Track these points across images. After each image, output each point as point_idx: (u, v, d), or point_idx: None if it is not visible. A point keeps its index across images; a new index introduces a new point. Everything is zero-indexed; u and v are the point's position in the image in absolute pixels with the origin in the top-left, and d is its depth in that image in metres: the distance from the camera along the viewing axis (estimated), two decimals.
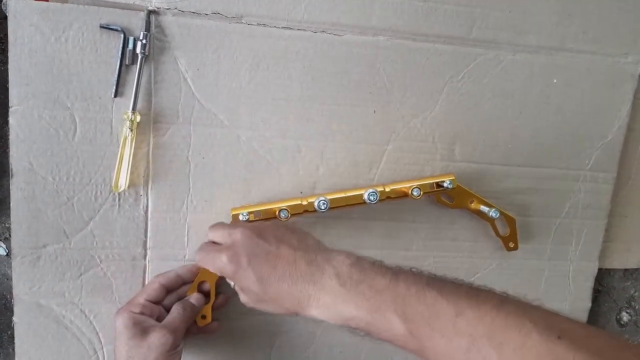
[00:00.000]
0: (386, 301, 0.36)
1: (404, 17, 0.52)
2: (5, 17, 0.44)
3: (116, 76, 0.47)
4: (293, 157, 0.52)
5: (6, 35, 0.45)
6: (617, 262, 0.66)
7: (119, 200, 0.49)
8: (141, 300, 0.46)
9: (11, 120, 0.46)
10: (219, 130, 0.50)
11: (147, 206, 0.50)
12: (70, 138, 0.47)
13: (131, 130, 0.47)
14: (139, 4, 0.46)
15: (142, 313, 0.45)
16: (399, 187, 0.51)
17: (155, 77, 0.48)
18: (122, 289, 0.51)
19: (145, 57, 0.47)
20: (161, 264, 0.51)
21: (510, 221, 0.57)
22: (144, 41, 0.46)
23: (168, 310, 0.47)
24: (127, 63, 0.47)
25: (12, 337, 0.50)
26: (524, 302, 0.34)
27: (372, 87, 0.52)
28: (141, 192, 0.50)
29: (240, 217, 0.49)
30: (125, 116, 0.47)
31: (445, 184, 0.52)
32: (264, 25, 0.49)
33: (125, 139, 0.47)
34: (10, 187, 0.47)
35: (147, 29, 0.46)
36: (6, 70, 0.45)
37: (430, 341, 0.34)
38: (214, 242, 0.46)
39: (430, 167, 0.55)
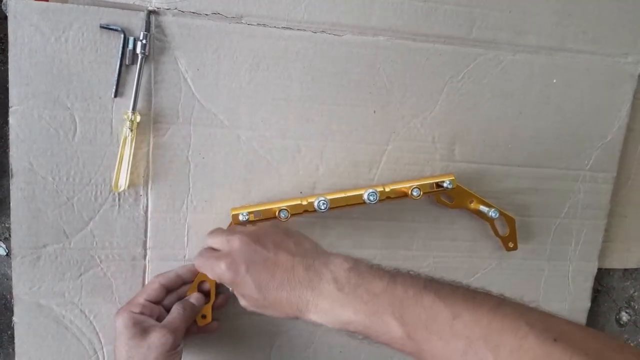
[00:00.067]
0: (384, 305, 0.36)
1: (403, 17, 0.52)
2: (6, 17, 0.44)
3: (116, 76, 0.47)
4: (293, 157, 0.52)
5: (6, 35, 0.45)
6: (617, 262, 0.66)
7: (119, 200, 0.49)
8: (141, 300, 0.46)
9: (11, 120, 0.46)
10: (219, 130, 0.50)
11: (147, 206, 0.50)
12: (70, 138, 0.47)
13: (131, 130, 0.47)
14: (139, 4, 0.46)
15: (142, 313, 0.45)
16: (399, 187, 0.51)
17: (155, 77, 0.48)
18: (122, 289, 0.51)
19: (145, 57, 0.47)
20: (161, 264, 0.51)
21: (509, 221, 0.57)
22: (144, 41, 0.46)
23: (168, 310, 0.47)
24: (127, 63, 0.47)
25: (12, 337, 0.50)
26: (521, 304, 0.34)
27: (372, 87, 0.52)
28: (141, 192, 0.50)
29: (240, 217, 0.49)
30: (125, 116, 0.47)
31: (445, 184, 0.52)
32: (264, 25, 0.49)
33: (125, 139, 0.47)
34: (10, 187, 0.47)
35: (147, 29, 0.46)
36: (6, 70, 0.45)
37: (428, 344, 0.34)
38: (212, 248, 0.46)
39: (430, 167, 0.55)
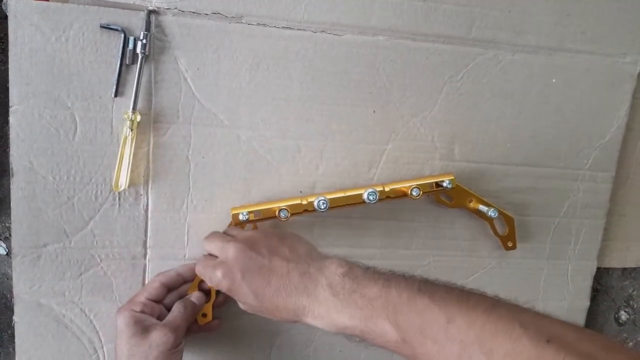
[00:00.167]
0: (378, 310, 0.36)
1: (403, 17, 0.52)
2: (6, 17, 0.44)
3: (116, 76, 0.47)
4: (293, 157, 0.52)
5: (6, 35, 0.45)
6: (616, 261, 0.66)
7: (119, 199, 0.49)
8: (142, 299, 0.46)
9: (11, 119, 0.46)
10: (219, 130, 0.50)
11: (147, 205, 0.50)
12: (70, 137, 0.47)
13: (131, 129, 0.47)
14: (139, 4, 0.46)
15: (143, 312, 0.45)
16: (399, 186, 0.51)
17: (156, 76, 0.48)
18: (122, 288, 0.51)
19: (146, 57, 0.47)
20: (161, 263, 0.51)
21: (508, 220, 0.57)
22: (144, 41, 0.46)
23: (169, 309, 0.47)
24: (127, 63, 0.47)
25: (12, 336, 0.50)
26: (515, 306, 0.34)
27: (371, 87, 0.52)
28: (141, 192, 0.50)
29: (240, 217, 0.49)
30: (126, 116, 0.47)
31: (444, 184, 0.52)
32: (264, 25, 0.49)
33: (126, 138, 0.47)
34: (11, 187, 0.47)
35: (148, 28, 0.46)
36: (6, 69, 0.45)
37: (423, 347, 0.34)
38: (212, 255, 0.47)
39: (430, 166, 0.55)
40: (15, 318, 0.49)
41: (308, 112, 0.52)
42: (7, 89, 0.45)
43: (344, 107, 0.52)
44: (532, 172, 0.58)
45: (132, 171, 0.48)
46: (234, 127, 0.50)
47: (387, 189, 0.51)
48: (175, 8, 0.47)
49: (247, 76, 0.50)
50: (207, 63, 0.49)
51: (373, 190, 0.50)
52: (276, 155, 0.52)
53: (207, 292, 0.49)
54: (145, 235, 0.51)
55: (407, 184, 0.51)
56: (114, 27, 0.46)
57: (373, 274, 0.39)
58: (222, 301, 0.51)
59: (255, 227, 0.51)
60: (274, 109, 0.51)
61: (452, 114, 0.55)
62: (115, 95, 0.47)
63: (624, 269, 0.69)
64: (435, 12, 0.52)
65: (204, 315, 0.49)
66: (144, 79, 0.47)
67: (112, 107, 0.47)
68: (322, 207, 0.49)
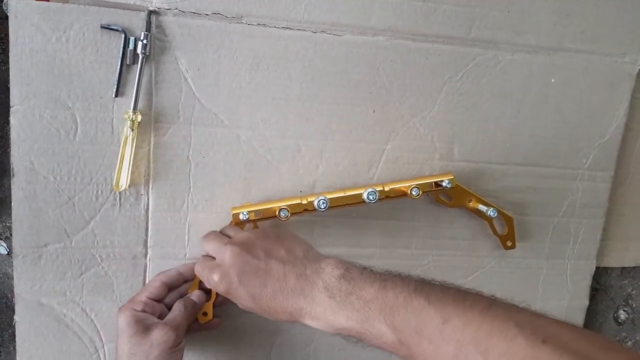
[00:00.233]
0: (375, 312, 0.36)
1: (403, 17, 0.52)
2: (6, 17, 0.45)
3: (117, 76, 0.47)
4: (293, 157, 0.52)
5: (7, 35, 0.45)
6: (615, 260, 0.66)
7: (120, 199, 0.49)
8: (143, 298, 0.46)
9: (12, 119, 0.46)
10: (220, 130, 0.50)
11: (147, 205, 0.50)
12: (71, 138, 0.47)
13: (132, 129, 0.47)
14: (140, 4, 0.46)
15: (144, 311, 0.45)
16: (398, 186, 0.52)
17: (156, 77, 0.48)
18: (123, 287, 0.51)
19: (146, 57, 0.47)
20: (162, 263, 0.51)
21: (508, 220, 0.57)
22: (144, 41, 0.46)
23: (169, 308, 0.47)
24: (127, 63, 0.47)
25: (13, 335, 0.50)
26: (511, 305, 0.34)
27: (371, 87, 0.53)
28: (142, 192, 0.50)
29: (241, 217, 0.49)
30: (126, 116, 0.47)
31: (444, 184, 0.52)
32: (264, 25, 0.49)
33: (126, 138, 0.47)
34: (12, 187, 0.47)
35: (148, 29, 0.46)
36: (7, 70, 0.45)
37: (419, 348, 0.34)
38: (210, 255, 0.47)
39: (429, 166, 0.56)
40: (16, 317, 0.49)
41: (308, 111, 0.52)
42: (8, 89, 0.45)
43: (343, 106, 0.52)
44: (532, 171, 0.58)
45: (132, 171, 0.48)
46: (234, 127, 0.51)
47: (386, 188, 0.51)
48: (176, 8, 0.47)
49: (247, 76, 0.50)
50: (208, 63, 0.49)
51: (373, 190, 0.50)
52: (276, 154, 0.52)
53: (207, 291, 0.49)
54: (146, 235, 0.51)
55: (407, 184, 0.52)
56: (115, 28, 0.46)
57: (369, 275, 0.39)
58: (223, 300, 0.51)
59: (256, 227, 0.51)
60: (274, 109, 0.51)
61: (451, 114, 0.55)
62: (116, 96, 0.47)
63: (623, 268, 0.69)
64: (435, 13, 0.52)
65: (205, 314, 0.49)
66: (144, 79, 0.47)
67: (113, 107, 0.48)
68: (322, 207, 0.49)
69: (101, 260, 0.50)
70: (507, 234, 0.58)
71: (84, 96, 0.47)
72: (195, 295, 0.48)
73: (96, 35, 0.46)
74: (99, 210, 0.49)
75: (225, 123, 0.50)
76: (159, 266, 0.51)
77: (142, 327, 0.43)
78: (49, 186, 0.48)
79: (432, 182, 0.53)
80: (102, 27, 0.46)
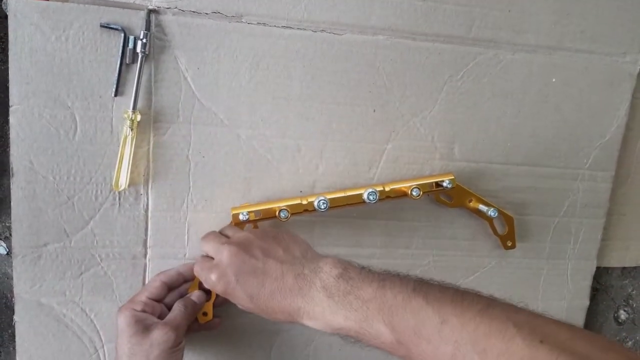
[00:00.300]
0: (373, 311, 0.36)
1: (403, 17, 0.52)
2: (6, 16, 0.44)
3: (116, 75, 0.47)
4: (293, 156, 0.52)
5: (6, 34, 0.45)
6: (615, 260, 0.66)
7: (120, 199, 0.49)
8: (143, 298, 0.46)
9: (11, 119, 0.46)
10: (219, 129, 0.50)
11: (147, 205, 0.50)
12: (70, 137, 0.47)
13: (131, 129, 0.47)
14: (139, 3, 0.46)
15: (144, 311, 0.45)
16: (399, 186, 0.51)
17: (156, 76, 0.48)
18: (122, 287, 0.51)
19: (146, 56, 0.47)
20: (161, 263, 0.51)
21: (508, 220, 0.57)
22: (144, 40, 0.46)
23: (169, 308, 0.47)
24: (127, 62, 0.47)
25: (12, 335, 0.50)
26: (510, 305, 0.34)
27: (371, 86, 0.53)
28: (141, 191, 0.50)
29: (241, 217, 0.49)
30: (126, 115, 0.47)
31: (444, 184, 0.52)
32: (264, 24, 0.49)
33: (126, 137, 0.47)
34: (11, 186, 0.47)
35: (148, 28, 0.46)
36: (6, 69, 0.45)
37: (417, 348, 0.34)
38: (209, 256, 0.47)
39: (430, 166, 0.55)
40: (15, 317, 0.49)
41: (308, 111, 0.52)
42: (7, 88, 0.45)
43: (344, 106, 0.52)
44: (532, 171, 0.58)
45: (132, 171, 0.48)
46: (234, 127, 0.50)
47: (387, 188, 0.51)
48: (175, 7, 0.47)
49: (247, 75, 0.50)
50: (207, 62, 0.49)
51: (373, 190, 0.50)
52: (276, 154, 0.52)
53: (207, 291, 0.49)
54: (146, 235, 0.51)
55: (407, 184, 0.52)
56: (114, 27, 0.46)
57: (368, 274, 0.39)
58: (223, 300, 0.51)
59: (256, 227, 0.51)
60: (274, 108, 0.51)
61: (452, 114, 0.55)
62: (115, 95, 0.47)
63: (624, 268, 0.69)
64: (435, 12, 0.52)
65: (205, 314, 0.49)
66: (144, 78, 0.47)
67: (112, 106, 0.47)
68: (322, 207, 0.49)
69: (101, 260, 0.50)
70: (507, 234, 0.58)
71: (83, 95, 0.47)
72: (195, 295, 0.48)
73: (95, 34, 0.46)
74: (99, 210, 0.49)
75: (225, 122, 0.50)
76: (158, 266, 0.51)
77: (142, 327, 0.43)
78: (48, 186, 0.47)
79: (432, 182, 0.53)
80: (102, 26, 0.46)
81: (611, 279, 0.69)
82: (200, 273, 0.45)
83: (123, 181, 0.48)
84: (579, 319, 0.63)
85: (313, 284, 0.39)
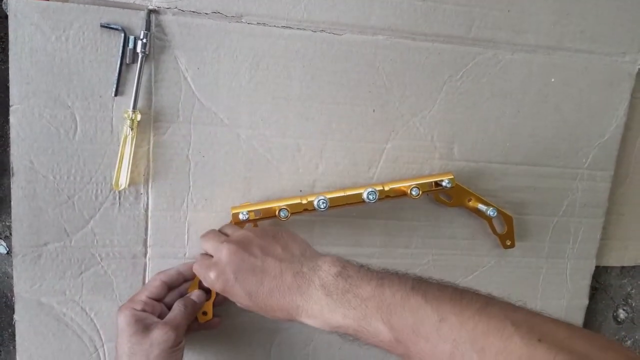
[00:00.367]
0: (372, 310, 0.36)
1: (403, 17, 0.52)
2: (6, 16, 0.44)
3: (117, 75, 0.47)
4: (293, 156, 0.52)
5: (7, 34, 0.45)
6: (614, 259, 0.66)
7: (120, 198, 0.49)
8: (143, 297, 0.46)
9: (12, 119, 0.46)
10: (219, 129, 0.50)
11: (147, 204, 0.50)
12: (70, 137, 0.47)
13: (131, 128, 0.47)
14: (140, 3, 0.46)
15: (144, 310, 0.45)
16: (398, 186, 0.52)
17: (156, 76, 0.48)
18: (122, 287, 0.51)
19: (146, 56, 0.47)
20: (161, 262, 0.51)
21: (507, 219, 0.57)
22: (144, 40, 0.46)
23: (169, 307, 0.47)
24: (127, 62, 0.47)
25: (13, 335, 0.50)
26: (508, 304, 0.34)
27: (371, 86, 0.53)
28: (141, 191, 0.50)
29: (241, 217, 0.49)
30: (126, 115, 0.47)
31: (443, 183, 0.52)
32: (264, 24, 0.49)
33: (126, 137, 0.47)
34: (11, 186, 0.47)
35: (148, 28, 0.46)
36: (7, 69, 0.45)
37: (416, 346, 0.34)
38: (208, 254, 0.47)
39: (429, 165, 0.56)
40: (15, 317, 0.49)
41: (308, 111, 0.52)
42: (8, 88, 0.45)
43: (343, 106, 0.52)
44: (531, 171, 0.58)
45: (132, 170, 0.48)
46: (234, 126, 0.51)
47: (386, 188, 0.51)
48: (176, 7, 0.47)
49: (247, 75, 0.50)
50: (207, 62, 0.49)
51: (373, 190, 0.50)
52: (276, 154, 0.52)
53: (207, 291, 0.49)
54: (146, 234, 0.51)
55: (407, 184, 0.52)
56: (114, 27, 0.46)
57: (366, 273, 0.39)
58: (223, 299, 0.51)
59: (255, 226, 0.51)
60: (274, 108, 0.51)
61: (451, 113, 0.55)
62: (116, 95, 0.47)
63: (623, 267, 0.69)
64: (435, 12, 0.52)
65: (205, 313, 0.49)
66: (144, 78, 0.47)
67: (112, 106, 0.48)
68: (322, 207, 0.49)
69: (101, 260, 0.50)
70: (506, 233, 0.58)
71: (83, 95, 0.47)
72: (195, 294, 0.48)
73: (96, 34, 0.46)
74: (99, 210, 0.49)
75: (225, 122, 0.50)
76: (158, 265, 0.51)
77: (142, 327, 0.43)
78: (48, 185, 0.47)
79: (432, 182, 0.53)
80: (102, 26, 0.46)
81: (610, 278, 0.69)
82: (199, 271, 0.46)
83: (123, 181, 0.48)
84: (578, 318, 0.64)
85: (312, 282, 0.40)
